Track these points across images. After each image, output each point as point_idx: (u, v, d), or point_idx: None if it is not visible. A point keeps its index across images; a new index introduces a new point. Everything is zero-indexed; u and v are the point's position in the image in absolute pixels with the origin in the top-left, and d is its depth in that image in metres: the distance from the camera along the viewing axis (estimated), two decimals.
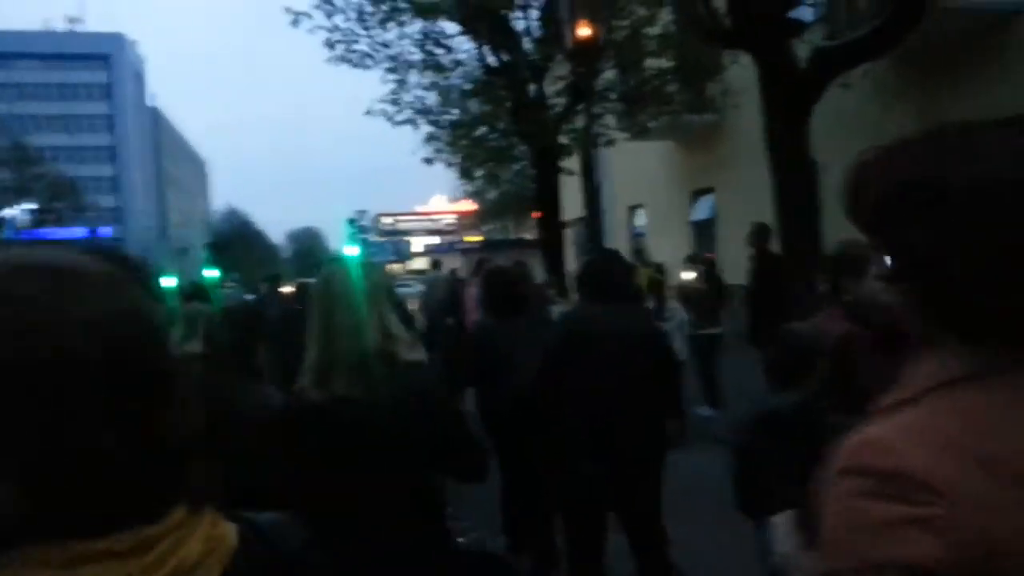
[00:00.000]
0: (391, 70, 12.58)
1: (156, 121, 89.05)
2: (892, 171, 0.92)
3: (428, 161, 14.77)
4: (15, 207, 41.73)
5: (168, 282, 17.23)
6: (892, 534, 0.79)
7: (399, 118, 12.97)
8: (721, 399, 8.75)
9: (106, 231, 54.73)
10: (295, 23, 11.85)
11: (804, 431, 2.40)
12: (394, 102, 12.85)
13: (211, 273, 32.64)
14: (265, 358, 2.88)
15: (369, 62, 12.23)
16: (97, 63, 78.79)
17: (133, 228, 75.31)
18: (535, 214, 36.74)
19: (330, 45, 11.98)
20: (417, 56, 12.54)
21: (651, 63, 12.24)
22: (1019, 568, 0.77)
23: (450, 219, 59.25)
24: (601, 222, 12.60)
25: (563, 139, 12.42)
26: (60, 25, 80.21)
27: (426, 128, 13.68)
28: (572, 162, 13.69)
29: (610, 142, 12.51)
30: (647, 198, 18.78)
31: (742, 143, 14.22)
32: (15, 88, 74.39)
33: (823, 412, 2.41)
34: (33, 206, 43.25)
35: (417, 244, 48.26)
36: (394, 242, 40.60)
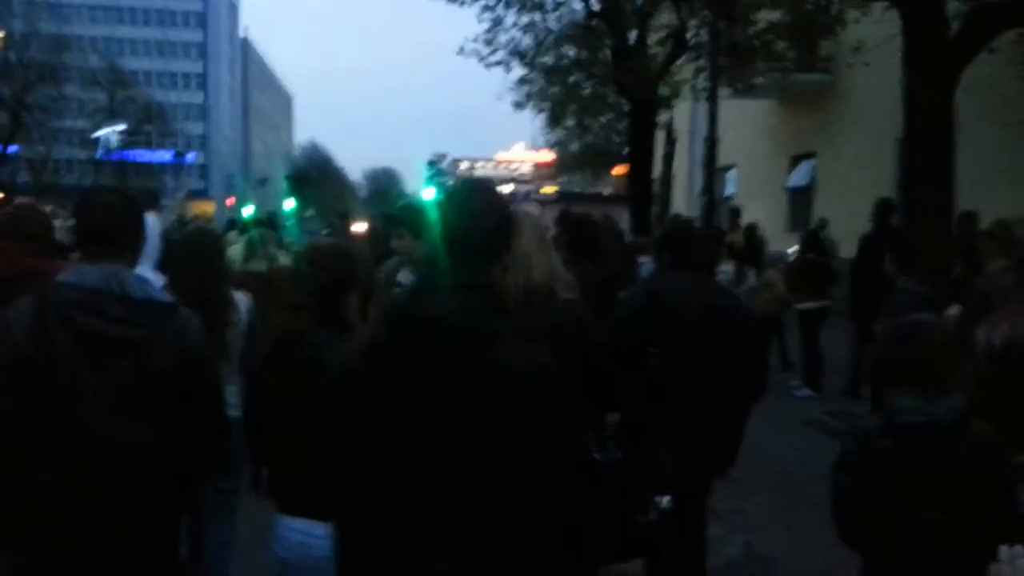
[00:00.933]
0: (488, 7, 12.01)
1: (247, 52, 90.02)
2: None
3: (518, 105, 14.25)
4: (107, 128, 42.70)
5: (247, 210, 17.18)
6: None
7: (492, 59, 12.42)
8: (821, 379, 8.44)
9: (191, 157, 55.84)
10: None
11: (963, 451, 2.08)
12: (488, 42, 12.34)
13: (289, 204, 32.83)
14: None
15: None
16: None
17: (217, 155, 76.86)
18: (618, 169, 35.95)
19: None
20: None
21: (763, 14, 11.28)
22: None
23: (527, 168, 58.56)
24: (686, 184, 11.80)
25: (664, 90, 11.64)
26: None
27: (519, 71, 13.09)
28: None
29: (711, 97, 11.72)
30: (740, 159, 17.51)
31: (854, 106, 13.16)
32: (114, 11, 75.95)
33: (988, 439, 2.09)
34: (124, 128, 44.18)
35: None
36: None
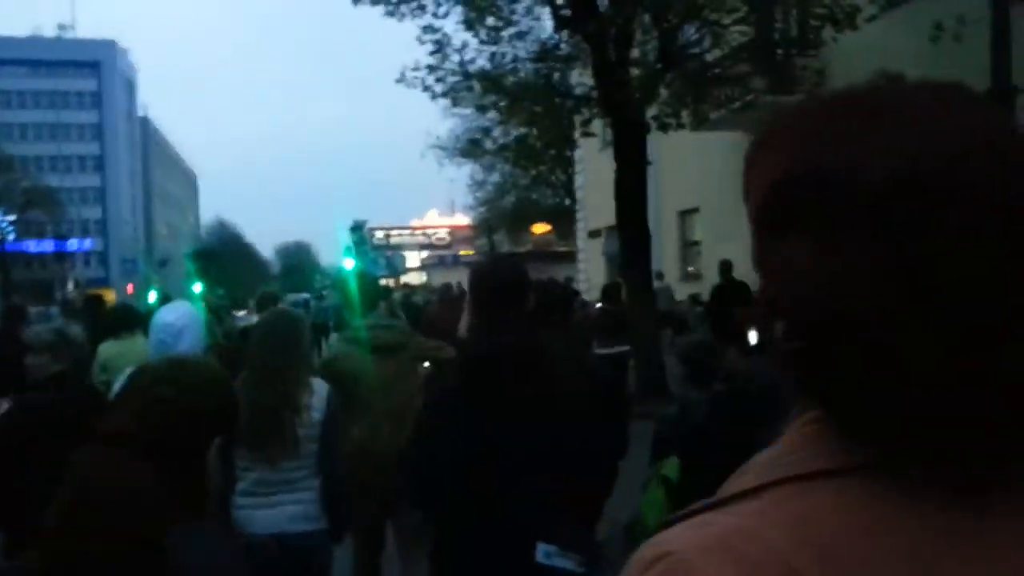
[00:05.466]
0: (431, 29, 10.03)
1: (147, 131, 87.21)
2: (780, 157, 0.62)
3: (476, 142, 12.31)
4: None
5: (151, 296, 15.30)
6: None
7: (439, 88, 10.42)
8: None
9: (85, 243, 52.71)
10: None
11: None
12: (432, 68, 10.34)
13: (196, 287, 30.65)
14: None
15: (405, 8, 9.85)
16: (87, 70, 77.05)
17: (117, 240, 73.21)
18: (538, 227, 35.37)
19: None
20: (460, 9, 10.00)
21: (735, 30, 9.91)
22: None
23: (443, 233, 58.05)
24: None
25: (652, 111, 9.77)
26: (50, 32, 78.34)
27: (467, 95, 10.89)
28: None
29: (681, 125, 10.22)
30: (704, 201, 15.49)
31: None
32: (2, 95, 72.68)
33: None
34: (10, 217, 41.29)
35: (412, 259, 46.46)
36: (387, 256, 38.76)
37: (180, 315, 3.48)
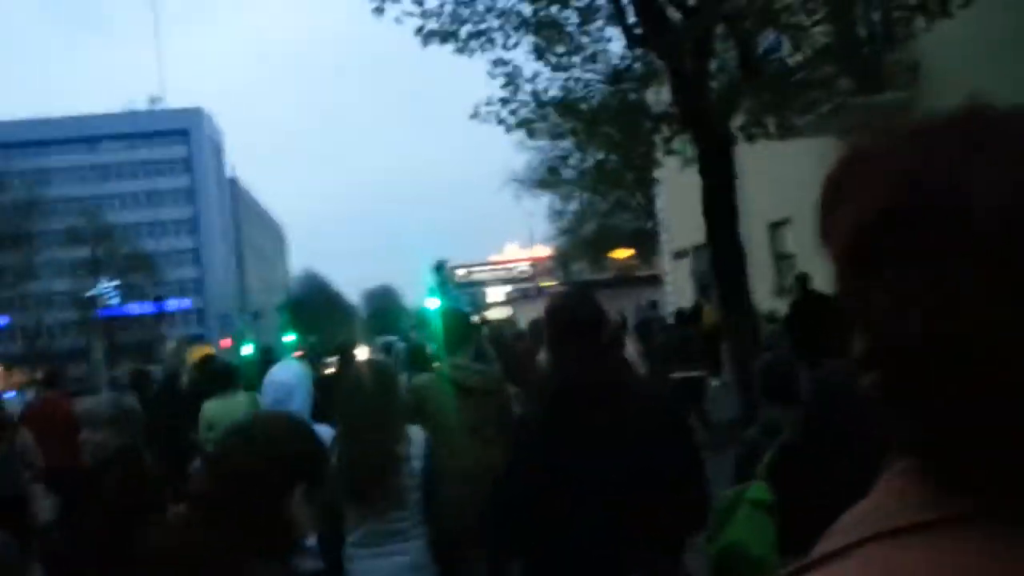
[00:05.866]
0: (501, 62, 9.83)
1: (235, 191, 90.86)
2: (873, 193, 0.60)
3: (553, 170, 12.05)
4: (99, 285, 41.93)
5: (246, 349, 15.62)
6: None
7: (511, 119, 10.19)
8: None
9: (181, 303, 54.87)
10: (379, 11, 9.71)
11: None
12: (505, 101, 10.12)
13: (289, 337, 31.38)
14: None
15: (474, 44, 9.78)
16: (177, 138, 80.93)
17: (213, 298, 76.12)
18: (618, 253, 34.90)
19: (421, 31, 9.69)
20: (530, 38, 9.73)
21: (817, 31, 9.39)
22: None
23: (524, 266, 58.04)
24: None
25: (736, 122, 9.31)
26: (142, 104, 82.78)
27: (542, 126, 10.56)
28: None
29: (769, 135, 9.72)
30: (795, 211, 14.54)
31: None
32: (100, 168, 77.03)
33: None
34: (115, 283, 43.42)
35: (494, 294, 46.54)
36: (469, 293, 38.96)
37: (292, 374, 3.59)
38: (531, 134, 10.78)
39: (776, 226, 15.32)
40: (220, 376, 7.04)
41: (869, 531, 0.59)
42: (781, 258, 15.68)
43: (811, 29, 9.33)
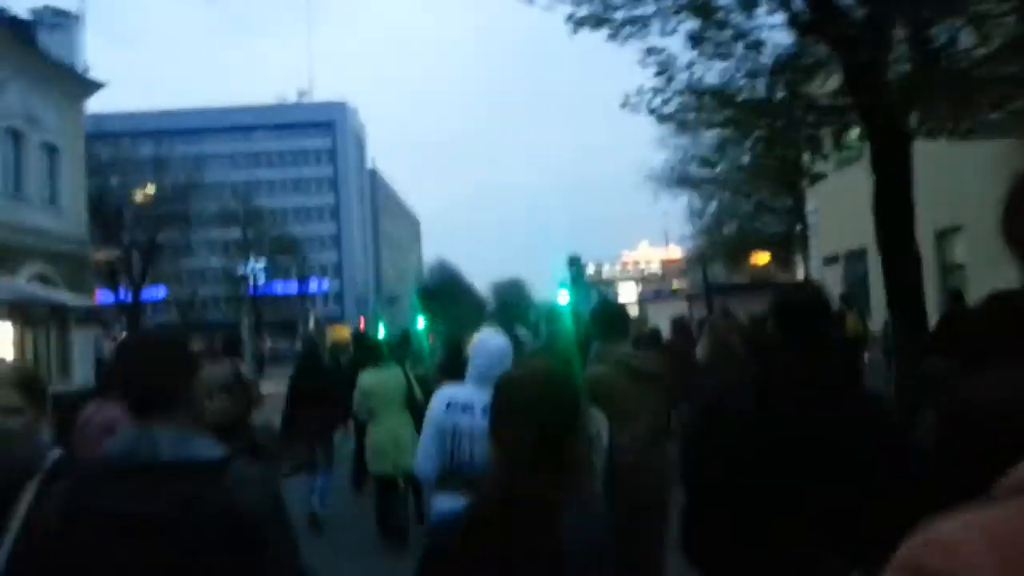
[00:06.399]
0: (654, 51, 9.30)
1: (375, 182, 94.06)
2: None
3: (707, 161, 11.41)
4: (250, 264, 44.28)
5: (379, 331, 16.19)
6: None
7: (666, 109, 9.67)
8: None
9: (322, 285, 57.52)
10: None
11: None
12: (657, 90, 9.59)
13: (419, 322, 32.13)
14: None
15: (629, 29, 9.43)
16: (323, 129, 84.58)
17: (351, 281, 79.22)
18: (758, 257, 33.52)
19: (572, 18, 9.47)
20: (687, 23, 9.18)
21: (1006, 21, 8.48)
22: None
23: (655, 267, 57.18)
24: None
25: (913, 119, 8.57)
26: (292, 97, 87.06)
27: (695, 116, 10.17)
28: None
29: (954, 132, 8.87)
30: (967, 219, 13.50)
31: None
32: (253, 156, 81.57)
33: None
34: (263, 263, 45.71)
35: (624, 292, 46.02)
36: (599, 290, 38.52)
37: (502, 342, 3.67)
38: (683, 125, 10.28)
39: (944, 234, 14.14)
40: (373, 351, 7.73)
41: None
42: (949, 269, 14.47)
43: (1000, 19, 8.43)
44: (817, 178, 9.76)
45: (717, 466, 2.43)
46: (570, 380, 1.97)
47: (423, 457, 3.54)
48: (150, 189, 33.94)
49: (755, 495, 2.28)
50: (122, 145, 36.42)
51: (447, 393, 3.58)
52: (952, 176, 12.06)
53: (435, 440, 3.48)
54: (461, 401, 3.48)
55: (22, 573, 1.89)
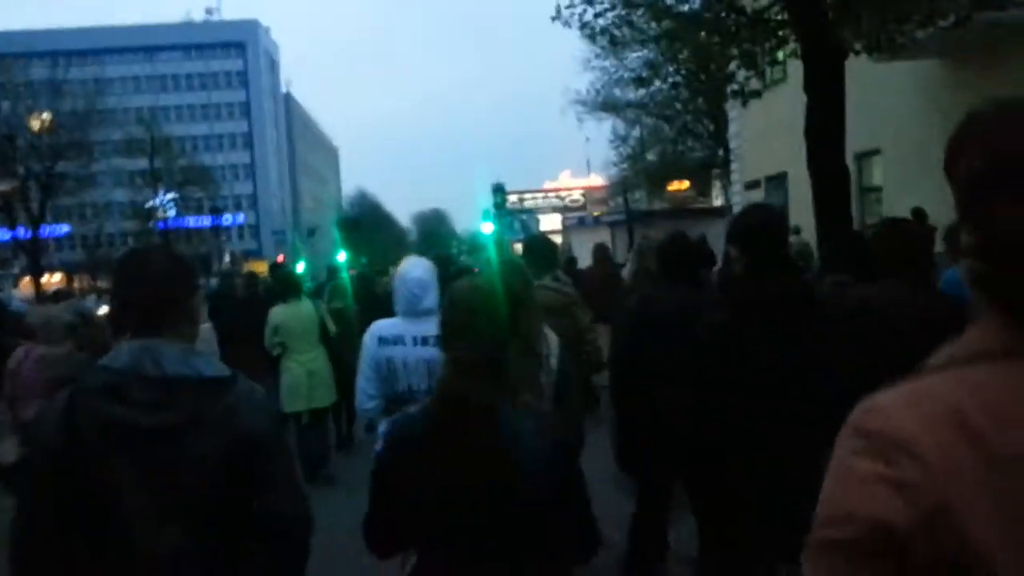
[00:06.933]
0: None
1: (289, 108, 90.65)
2: (991, 138, 0.92)
3: (642, 80, 11.12)
4: (159, 196, 42.31)
5: (299, 267, 15.78)
6: (866, 489, 0.86)
7: (599, 21, 9.34)
8: None
9: (238, 217, 55.64)
10: None
11: None
12: (589, 2, 9.28)
13: (341, 256, 31.60)
14: None
15: None
16: (234, 51, 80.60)
17: (267, 213, 76.86)
18: (674, 185, 33.73)
19: None
20: None
21: None
22: (980, 537, 0.81)
23: (577, 195, 57.46)
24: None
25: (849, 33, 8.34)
26: (199, 15, 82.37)
27: (627, 33, 9.79)
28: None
29: (894, 48, 8.72)
30: (886, 142, 13.40)
31: None
32: (158, 79, 77.30)
33: None
34: (172, 195, 43.76)
35: (548, 221, 46.01)
36: (522, 219, 38.26)
37: (425, 270, 3.66)
38: (614, 41, 9.93)
39: (864, 157, 14.20)
40: (290, 284, 7.55)
41: (958, 355, 0.91)
42: (866, 192, 14.62)
43: None
44: (753, 95, 9.56)
45: (694, 373, 2.74)
46: (503, 297, 2.21)
47: (364, 397, 3.54)
48: (46, 115, 31.69)
49: (740, 397, 2.58)
50: (14, 67, 33.81)
51: (377, 328, 3.60)
52: (872, 100, 12.04)
53: (371, 377, 3.51)
54: (391, 335, 3.52)
55: (29, 488, 1.88)
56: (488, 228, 27.18)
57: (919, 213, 9.71)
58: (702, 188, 32.84)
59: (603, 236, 24.90)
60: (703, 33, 9.32)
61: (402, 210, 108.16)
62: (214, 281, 25.19)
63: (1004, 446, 0.82)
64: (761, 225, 2.81)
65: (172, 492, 1.77)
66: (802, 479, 2.23)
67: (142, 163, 45.79)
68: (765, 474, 2.54)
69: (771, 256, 2.71)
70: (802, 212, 15.32)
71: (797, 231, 12.13)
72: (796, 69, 10.24)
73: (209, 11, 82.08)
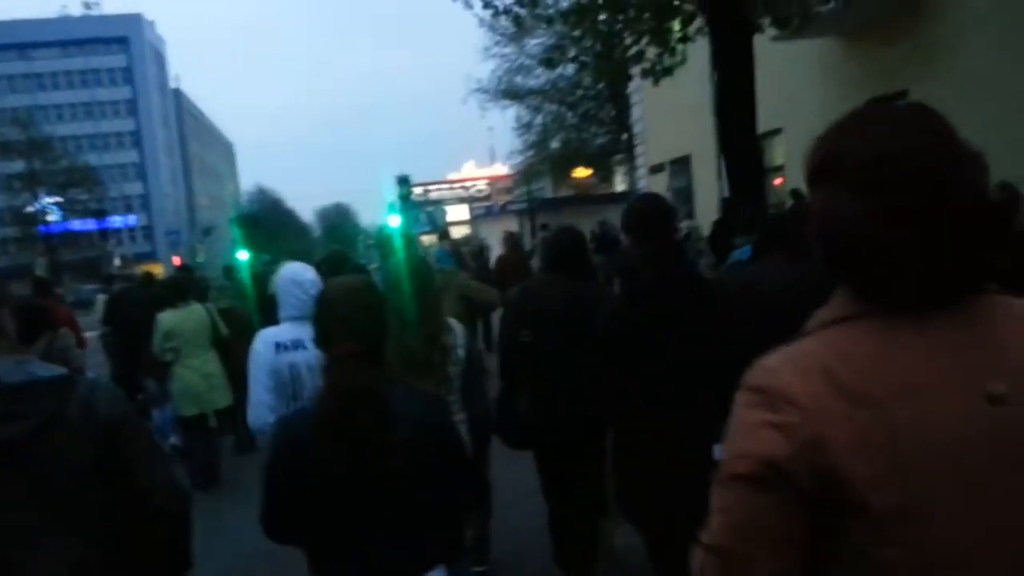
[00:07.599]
0: None
1: (180, 103, 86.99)
2: (821, 144, 1.17)
3: (550, 61, 11.00)
4: (40, 201, 39.89)
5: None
6: (755, 433, 1.08)
7: (501, 3, 9.16)
8: None
9: (128, 219, 52.84)
10: None
11: None
12: None
13: (243, 255, 30.48)
14: None
15: None
16: (116, 46, 76.65)
17: (161, 214, 73.59)
18: (578, 172, 33.95)
19: None
20: None
21: None
22: (845, 462, 1.03)
23: (482, 185, 57.47)
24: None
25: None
26: (76, 9, 78.02)
27: (529, 13, 9.60)
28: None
29: (804, 21, 8.78)
30: (788, 122, 13.36)
31: (963, 21, 9.77)
32: (35, 78, 72.86)
33: None
34: (57, 199, 41.35)
35: (455, 212, 45.67)
36: (428, 212, 37.86)
37: (313, 272, 3.63)
38: (518, 22, 9.75)
39: (766, 137, 14.46)
40: (175, 288, 7.31)
41: (826, 319, 1.14)
42: (770, 171, 14.91)
43: None
44: (665, 73, 9.53)
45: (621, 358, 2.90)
46: (377, 291, 2.31)
47: (264, 411, 3.25)
48: None
49: (641, 362, 2.83)
50: None
51: (270, 335, 3.41)
52: (773, 79, 12.27)
53: (270, 387, 3.28)
54: (289, 339, 3.36)
55: None
56: (395, 221, 26.72)
57: (797, 193, 10.03)
58: (605, 174, 33.16)
59: (511, 224, 24.94)
60: (611, 10, 9.25)
61: (306, 206, 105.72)
62: (93, 288, 23.82)
63: (860, 388, 1.04)
64: (650, 214, 3.08)
65: (49, 501, 1.73)
66: (694, 447, 2.40)
67: (19, 165, 43.08)
68: (662, 444, 2.75)
69: (662, 241, 2.98)
70: (705, 193, 15.60)
71: (690, 215, 12.33)
72: (696, 50, 10.34)
73: (88, 5, 77.80)
